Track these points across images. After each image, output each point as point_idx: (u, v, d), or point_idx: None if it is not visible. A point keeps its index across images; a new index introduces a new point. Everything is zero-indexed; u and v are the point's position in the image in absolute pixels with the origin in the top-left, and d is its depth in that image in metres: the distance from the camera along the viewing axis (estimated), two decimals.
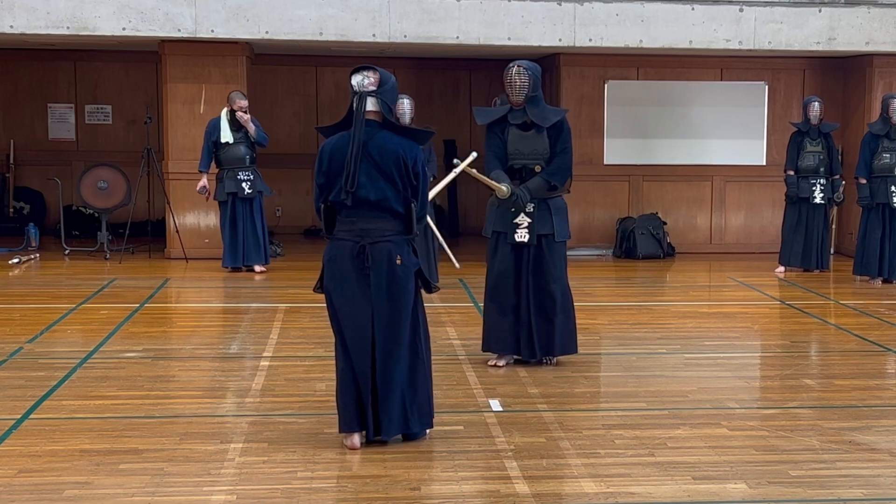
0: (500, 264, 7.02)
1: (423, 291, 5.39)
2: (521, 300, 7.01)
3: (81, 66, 14.65)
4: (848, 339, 8.21)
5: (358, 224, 5.15)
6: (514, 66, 6.92)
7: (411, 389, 5.28)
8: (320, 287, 5.30)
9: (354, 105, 5.15)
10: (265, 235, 11.41)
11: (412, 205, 5.18)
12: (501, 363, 7.09)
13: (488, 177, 6.90)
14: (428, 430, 5.44)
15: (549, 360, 7.12)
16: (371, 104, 5.15)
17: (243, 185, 11.24)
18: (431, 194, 6.51)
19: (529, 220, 6.94)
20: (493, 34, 11.79)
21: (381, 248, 5.13)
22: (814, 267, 11.58)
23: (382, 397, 5.20)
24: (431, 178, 10.29)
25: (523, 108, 6.93)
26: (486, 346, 7.18)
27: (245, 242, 11.28)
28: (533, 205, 6.94)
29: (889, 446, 5.42)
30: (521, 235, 6.98)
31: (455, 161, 6.81)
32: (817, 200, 11.44)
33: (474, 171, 6.82)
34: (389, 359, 5.19)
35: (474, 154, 7.02)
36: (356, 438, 5.24)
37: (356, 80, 5.19)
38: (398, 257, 5.16)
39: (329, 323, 5.31)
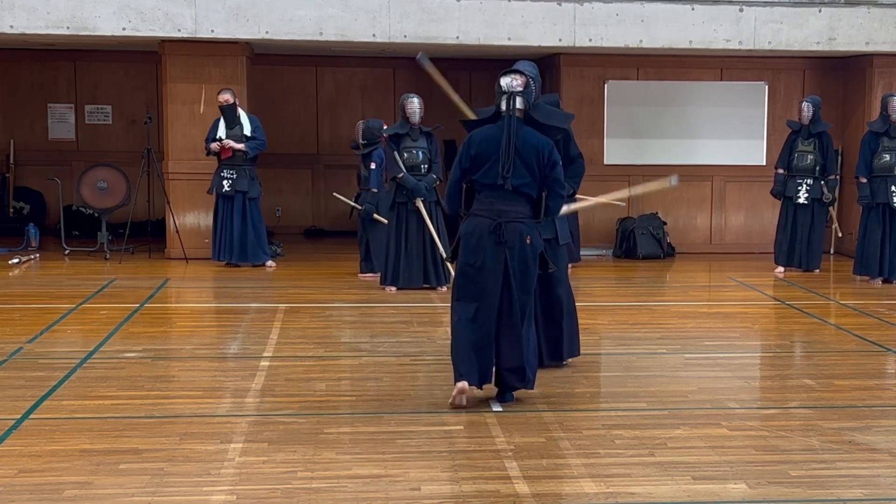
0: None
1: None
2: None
3: (81, 66, 14.65)
4: (848, 339, 8.21)
5: (496, 205, 5.87)
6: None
7: (527, 351, 6.00)
8: (451, 257, 6.18)
9: (504, 103, 5.92)
10: (246, 234, 11.46)
11: (543, 193, 5.91)
12: None
13: None
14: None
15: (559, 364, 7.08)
16: (519, 103, 5.95)
17: (224, 182, 11.39)
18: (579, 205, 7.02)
19: None
20: (493, 34, 11.79)
21: (514, 227, 5.85)
22: (797, 266, 11.59)
23: (508, 355, 5.96)
24: (437, 182, 10.31)
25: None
26: None
27: (225, 239, 11.42)
28: None
29: (889, 446, 5.42)
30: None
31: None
32: (801, 200, 11.45)
33: None
34: (521, 322, 5.92)
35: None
36: (466, 385, 5.92)
37: (505, 81, 5.97)
38: (528, 238, 5.88)
39: (451, 289, 6.13)
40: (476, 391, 6.08)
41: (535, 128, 6.01)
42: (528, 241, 5.90)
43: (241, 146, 11.37)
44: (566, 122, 7.10)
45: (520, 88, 5.98)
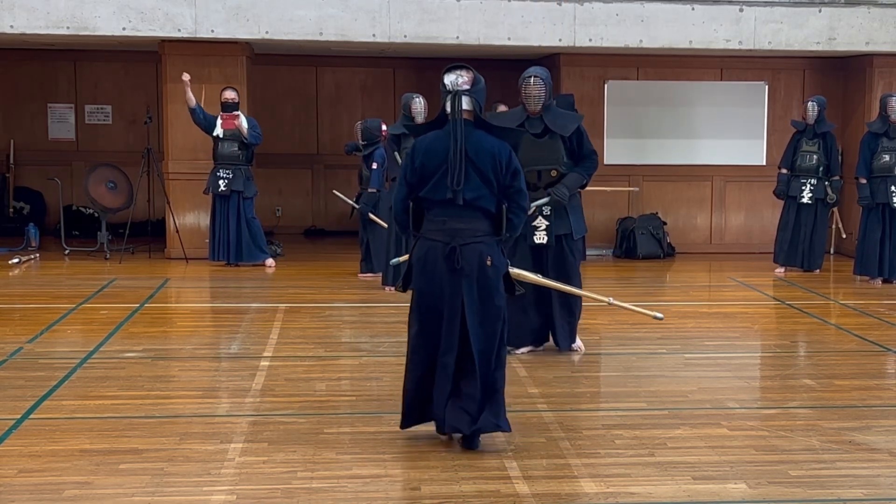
0: (520, 264, 7.22)
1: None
2: (542, 297, 7.24)
3: (81, 66, 14.65)
4: (848, 339, 8.21)
5: (449, 223, 5.15)
6: (530, 78, 7.16)
7: (493, 391, 5.24)
8: (402, 286, 5.34)
9: (449, 104, 5.17)
10: (241, 234, 11.48)
11: (503, 206, 5.19)
12: (523, 350, 7.38)
13: None
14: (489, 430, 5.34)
15: (579, 348, 7.49)
16: (466, 103, 5.18)
17: (219, 182, 11.44)
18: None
19: (547, 223, 7.11)
20: (493, 34, 11.80)
21: (472, 250, 5.13)
22: (800, 266, 11.59)
23: (467, 394, 5.18)
24: None
25: (540, 117, 7.18)
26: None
27: (221, 239, 11.47)
28: (550, 207, 7.19)
29: (889, 446, 5.42)
30: (540, 237, 7.24)
31: None
32: (805, 200, 11.44)
33: None
34: (483, 359, 5.17)
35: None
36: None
37: (449, 79, 5.22)
38: (489, 258, 5.16)
39: (408, 319, 5.35)
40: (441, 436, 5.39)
41: (487, 132, 5.24)
42: (488, 263, 5.16)
43: (244, 127, 11.40)
44: (577, 122, 7.25)
45: (466, 86, 5.21)
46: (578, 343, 7.53)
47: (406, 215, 5.27)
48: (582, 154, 7.25)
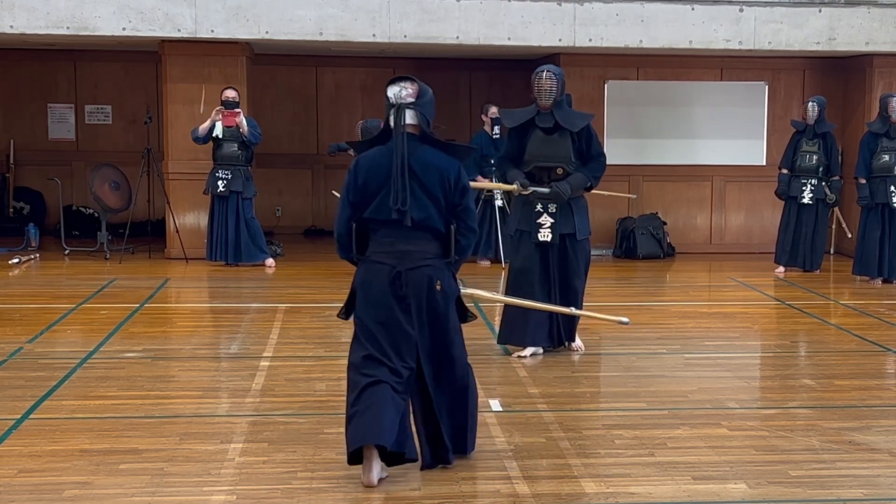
0: (524, 262, 7.26)
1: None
2: (544, 295, 7.23)
3: (81, 66, 14.64)
4: (848, 339, 8.21)
5: (397, 245, 4.79)
6: (543, 72, 7.19)
7: (452, 421, 4.97)
8: (346, 314, 4.97)
9: (392, 118, 4.82)
10: (240, 234, 11.48)
11: (452, 226, 4.85)
12: (526, 353, 7.32)
13: (505, 177, 7.29)
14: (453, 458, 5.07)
15: (579, 347, 7.50)
16: (410, 117, 4.82)
17: (218, 182, 11.47)
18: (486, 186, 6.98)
19: (552, 221, 7.12)
20: (493, 34, 11.79)
21: (419, 274, 4.78)
22: (801, 266, 11.59)
23: (428, 429, 4.94)
24: None
25: (551, 112, 7.19)
26: (503, 339, 7.44)
27: (220, 240, 11.48)
28: (555, 205, 7.18)
29: (889, 446, 5.42)
30: (545, 235, 7.22)
31: None
32: (805, 200, 11.44)
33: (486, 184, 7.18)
34: (438, 391, 4.88)
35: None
36: (375, 473, 4.77)
37: (393, 91, 4.85)
38: (438, 283, 4.82)
39: (350, 344, 4.97)
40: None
41: (434, 147, 4.88)
42: (437, 288, 4.81)
43: (244, 125, 11.39)
44: (587, 120, 7.26)
45: (411, 99, 4.81)
46: (578, 343, 7.54)
47: (349, 237, 4.88)
48: (590, 154, 7.28)
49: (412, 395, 4.90)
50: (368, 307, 4.83)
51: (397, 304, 4.79)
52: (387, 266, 4.79)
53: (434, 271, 4.82)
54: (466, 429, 5.04)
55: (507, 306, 7.38)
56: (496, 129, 11.80)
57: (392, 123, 4.83)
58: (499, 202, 11.95)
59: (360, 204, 4.85)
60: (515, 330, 7.30)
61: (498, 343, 7.46)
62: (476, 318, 5.27)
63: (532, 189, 7.14)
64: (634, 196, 11.81)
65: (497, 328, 8.09)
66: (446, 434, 4.94)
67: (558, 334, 7.43)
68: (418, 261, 4.80)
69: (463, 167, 4.91)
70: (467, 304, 5.14)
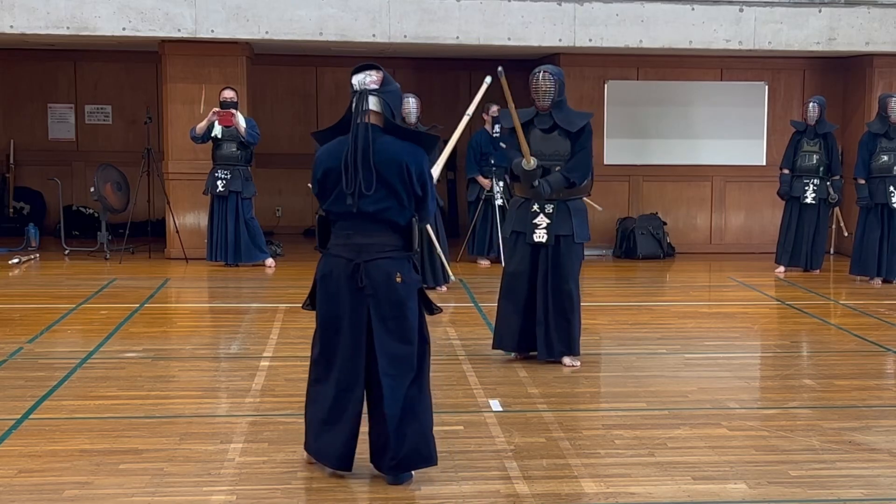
0: (518, 264, 7.14)
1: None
2: (537, 299, 7.11)
3: (81, 66, 14.65)
4: (848, 339, 8.21)
5: (354, 238, 4.70)
6: (540, 73, 7.09)
7: (413, 420, 4.76)
8: (310, 305, 4.90)
9: (354, 105, 4.68)
10: (239, 234, 11.48)
11: (414, 218, 4.75)
12: (518, 356, 7.25)
13: (511, 162, 7.02)
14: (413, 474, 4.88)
15: (573, 363, 7.14)
16: (373, 103, 4.69)
17: (217, 182, 11.48)
18: (451, 143, 6.40)
19: (548, 221, 7.05)
20: (493, 34, 11.80)
21: (378, 267, 4.67)
22: (803, 266, 11.60)
23: (379, 429, 4.76)
24: (436, 182, 10.35)
25: (549, 113, 7.10)
26: (497, 344, 7.29)
27: (219, 240, 11.48)
28: (552, 206, 7.07)
29: (889, 446, 5.42)
30: (540, 236, 7.10)
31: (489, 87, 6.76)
32: (808, 200, 11.44)
33: (508, 91, 6.82)
34: (392, 386, 4.70)
35: (488, 79, 6.80)
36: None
37: (357, 78, 4.73)
38: (398, 275, 4.70)
39: (311, 342, 4.93)
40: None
41: (398, 136, 4.73)
42: (397, 280, 4.69)
43: (241, 126, 11.40)
44: (586, 119, 7.14)
45: (374, 86, 4.69)
46: (572, 361, 7.14)
47: (319, 229, 4.85)
48: (572, 151, 7.04)
49: (367, 390, 4.77)
50: (324, 302, 4.78)
51: (354, 298, 4.69)
52: (344, 259, 4.71)
53: (393, 264, 4.71)
54: (418, 434, 4.78)
55: (498, 313, 7.21)
56: (496, 128, 11.80)
57: (353, 110, 4.69)
58: (499, 201, 11.95)
59: (322, 196, 4.80)
60: (506, 335, 7.21)
61: (493, 348, 7.37)
62: (442, 310, 5.15)
63: (537, 166, 6.89)
64: (601, 209, 11.59)
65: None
66: (397, 435, 4.71)
67: (548, 346, 7.07)
68: (376, 253, 4.69)
69: (427, 159, 4.79)
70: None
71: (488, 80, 6.79)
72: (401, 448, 4.72)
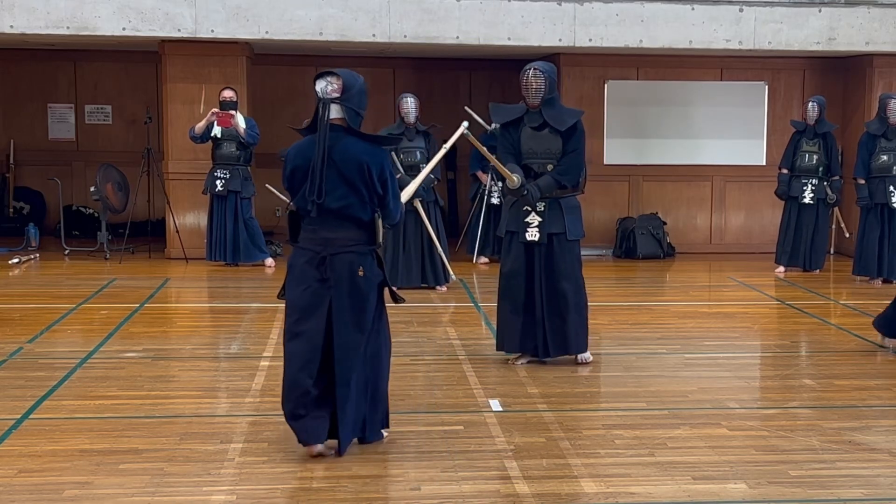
0: (513, 263, 7.09)
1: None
2: (534, 299, 7.07)
3: (81, 66, 14.65)
4: (848, 339, 8.21)
5: (320, 233, 5.04)
6: (529, 69, 6.99)
7: (371, 402, 5.21)
8: (283, 294, 5.20)
9: (319, 112, 5.03)
10: (238, 234, 11.49)
11: (376, 214, 5.08)
12: (521, 362, 7.17)
13: (504, 165, 6.98)
14: (385, 431, 5.40)
15: (583, 359, 7.19)
16: (335, 111, 5.04)
17: (217, 182, 11.47)
18: (427, 169, 6.77)
19: (540, 220, 7.00)
20: (493, 34, 11.79)
21: (342, 260, 5.02)
22: (802, 266, 11.60)
23: (340, 408, 5.07)
24: (436, 182, 10.36)
25: (539, 111, 7.01)
26: (500, 346, 7.26)
27: (218, 239, 11.49)
28: (544, 204, 7.00)
29: (889, 446, 5.42)
30: (532, 234, 7.04)
31: (464, 130, 6.96)
32: (806, 200, 11.45)
33: (477, 142, 7.00)
34: (348, 371, 5.05)
35: (465, 124, 7.08)
36: (319, 447, 5.11)
37: (319, 86, 5.05)
38: (360, 269, 5.04)
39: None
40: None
41: (360, 139, 5.08)
42: (360, 274, 5.04)
43: (240, 126, 11.41)
44: (576, 117, 7.09)
45: (336, 94, 5.01)
46: (586, 355, 7.23)
47: (290, 223, 5.22)
48: (565, 151, 6.97)
49: (324, 370, 5.08)
50: (291, 290, 5.11)
51: (319, 288, 5.02)
52: (311, 252, 5.05)
53: (356, 257, 5.04)
54: (366, 416, 5.20)
55: (498, 315, 7.20)
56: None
57: (318, 118, 5.04)
58: (495, 200, 11.96)
59: (291, 192, 5.16)
60: (507, 336, 7.19)
61: (496, 350, 7.36)
62: (405, 300, 5.42)
63: (521, 184, 6.85)
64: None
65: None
66: (348, 415, 5.09)
67: (543, 345, 7.08)
68: (340, 247, 5.03)
69: (388, 158, 5.14)
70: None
71: (465, 124, 7.06)
72: (346, 427, 5.09)
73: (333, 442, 5.15)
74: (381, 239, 5.14)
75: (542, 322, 7.07)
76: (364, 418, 5.22)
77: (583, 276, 7.23)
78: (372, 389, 5.21)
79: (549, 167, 6.99)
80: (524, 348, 7.18)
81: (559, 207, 7.04)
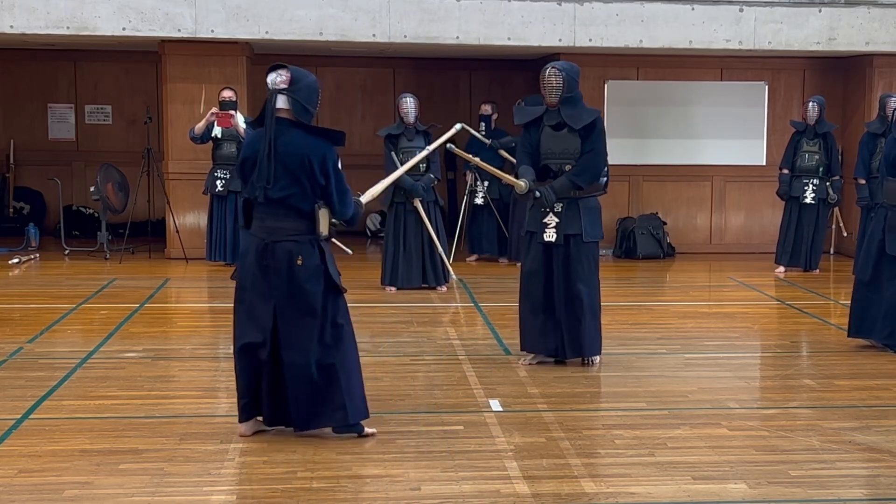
0: (531, 264, 7.13)
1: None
2: (553, 300, 7.08)
3: (81, 66, 14.64)
4: (848, 340, 8.19)
5: (266, 221, 5.23)
6: (548, 68, 7.03)
7: (347, 389, 5.31)
8: (235, 275, 5.45)
9: (266, 103, 5.22)
10: (238, 234, 11.47)
11: (317, 205, 5.21)
12: (531, 361, 7.16)
13: (516, 172, 7.05)
14: (364, 424, 5.46)
15: (590, 360, 7.16)
16: (282, 102, 5.22)
17: (217, 182, 11.49)
18: (404, 169, 6.80)
19: (558, 220, 7.00)
20: (493, 34, 11.79)
21: (282, 248, 5.19)
22: (803, 266, 11.59)
23: (291, 394, 5.29)
24: (436, 182, 10.35)
25: (558, 109, 7.01)
26: (522, 346, 7.26)
27: (218, 239, 11.51)
28: (562, 204, 7.00)
29: (889, 446, 5.42)
30: (549, 235, 7.06)
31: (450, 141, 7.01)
32: (808, 200, 11.44)
33: (462, 152, 7.12)
34: (295, 357, 5.22)
35: (458, 126, 7.12)
36: (248, 426, 5.41)
37: (270, 78, 5.28)
38: (299, 258, 5.19)
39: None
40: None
41: (306, 132, 5.25)
42: (298, 263, 5.18)
43: (240, 126, 11.39)
44: (593, 116, 7.06)
45: (284, 86, 5.24)
46: (597, 361, 7.23)
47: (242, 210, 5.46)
48: (582, 150, 6.96)
49: (269, 355, 5.28)
50: (240, 273, 5.35)
51: (262, 273, 5.22)
52: (258, 238, 5.25)
53: (296, 246, 5.20)
54: (307, 402, 5.30)
55: (520, 315, 7.20)
56: (482, 126, 11.80)
57: (265, 108, 5.22)
58: (479, 200, 12.01)
59: (242, 181, 5.40)
60: (528, 336, 7.15)
61: (520, 350, 7.33)
62: (347, 290, 5.43)
63: (531, 189, 6.91)
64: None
65: (497, 329, 8.23)
66: (290, 398, 5.30)
67: (562, 346, 7.10)
68: (283, 236, 5.20)
69: (332, 152, 5.25)
70: None
71: (458, 126, 7.16)
72: (299, 409, 5.29)
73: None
74: (324, 230, 5.25)
75: (561, 323, 7.08)
76: (343, 405, 5.31)
77: (599, 278, 7.22)
78: (345, 378, 5.30)
79: (567, 167, 6.99)
80: (543, 348, 7.15)
81: (577, 208, 7.04)
